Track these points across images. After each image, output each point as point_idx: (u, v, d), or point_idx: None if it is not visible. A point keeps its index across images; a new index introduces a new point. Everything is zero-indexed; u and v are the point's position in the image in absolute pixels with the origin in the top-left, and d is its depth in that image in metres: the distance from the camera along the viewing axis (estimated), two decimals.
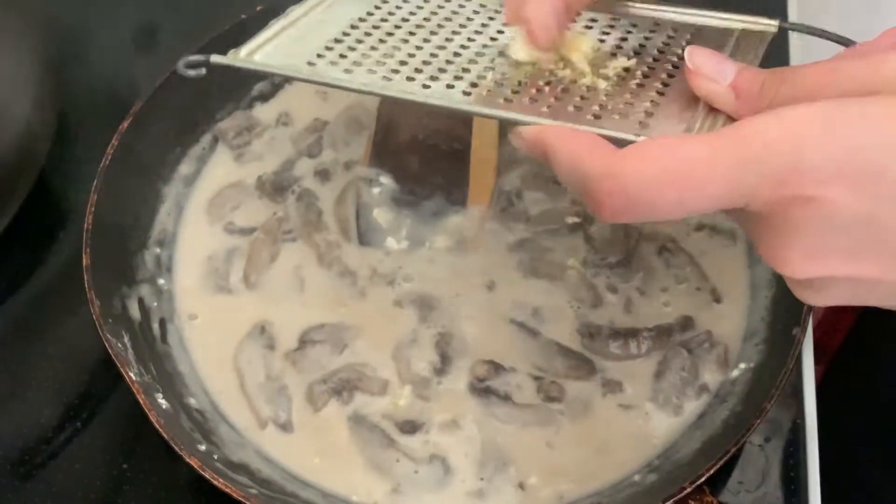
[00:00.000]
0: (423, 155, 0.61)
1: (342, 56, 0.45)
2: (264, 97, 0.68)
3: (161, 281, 0.59)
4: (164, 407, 0.51)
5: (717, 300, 0.57)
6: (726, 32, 0.47)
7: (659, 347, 0.55)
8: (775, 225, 0.34)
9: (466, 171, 0.61)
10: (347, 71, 0.44)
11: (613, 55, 0.45)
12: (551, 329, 0.56)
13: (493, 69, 0.44)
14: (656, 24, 0.48)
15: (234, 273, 0.60)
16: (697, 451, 0.50)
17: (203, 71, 0.46)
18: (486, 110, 0.42)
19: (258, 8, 0.66)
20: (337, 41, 0.46)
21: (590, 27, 0.47)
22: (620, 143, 0.37)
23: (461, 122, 0.62)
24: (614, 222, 0.37)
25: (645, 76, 0.43)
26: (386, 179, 0.61)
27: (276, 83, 0.68)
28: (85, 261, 0.54)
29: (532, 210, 0.61)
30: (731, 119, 0.39)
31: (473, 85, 0.43)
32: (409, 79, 0.43)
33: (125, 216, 0.59)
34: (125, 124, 0.59)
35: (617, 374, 0.54)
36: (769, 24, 0.47)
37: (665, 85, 0.42)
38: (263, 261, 0.60)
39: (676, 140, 0.35)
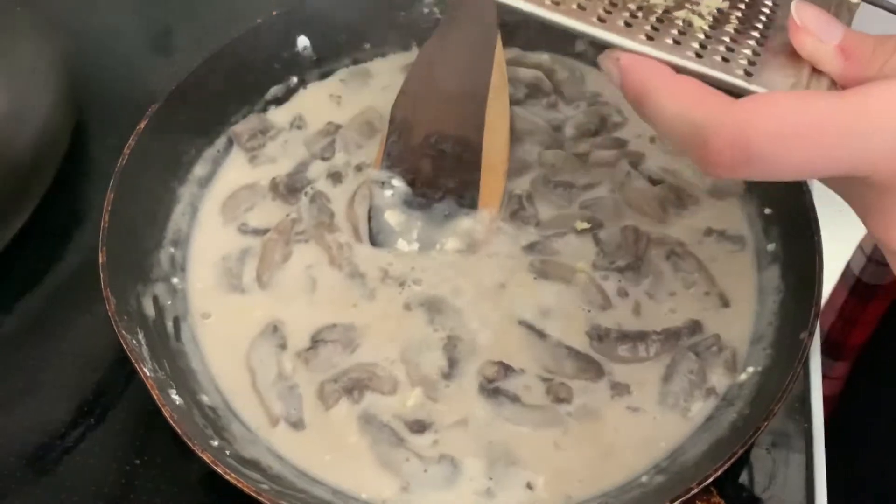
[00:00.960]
0: (435, 158, 0.62)
1: None
2: (278, 101, 0.69)
3: (175, 280, 0.60)
4: (177, 403, 0.51)
5: (726, 304, 0.58)
6: None
7: (667, 351, 0.55)
8: (892, 198, 0.33)
9: (477, 174, 0.62)
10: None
11: None
12: (560, 331, 0.57)
13: None
14: None
15: (247, 273, 0.61)
16: (705, 453, 0.50)
17: None
18: (577, 26, 0.38)
19: (274, 12, 0.67)
20: None
21: None
22: (722, 90, 0.35)
23: (473, 126, 0.63)
24: (728, 177, 0.35)
25: (741, 21, 0.40)
26: (398, 182, 0.62)
27: (290, 86, 0.69)
28: (101, 259, 0.54)
29: (542, 214, 0.62)
30: (835, 83, 0.37)
31: None
32: None
33: (141, 216, 0.60)
34: (142, 125, 0.60)
35: (625, 376, 0.55)
36: None
37: (763, 36, 0.40)
38: (276, 261, 0.61)
39: (808, 94, 0.33)
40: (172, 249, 0.61)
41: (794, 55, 0.38)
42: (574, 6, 0.39)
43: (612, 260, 0.59)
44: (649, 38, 0.38)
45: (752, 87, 0.37)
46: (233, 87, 0.66)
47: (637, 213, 0.62)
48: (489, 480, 0.52)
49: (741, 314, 0.57)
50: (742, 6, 0.41)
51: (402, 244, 0.61)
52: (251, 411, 0.55)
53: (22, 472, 0.56)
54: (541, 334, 0.57)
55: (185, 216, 0.63)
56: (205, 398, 0.55)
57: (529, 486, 0.52)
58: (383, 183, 0.62)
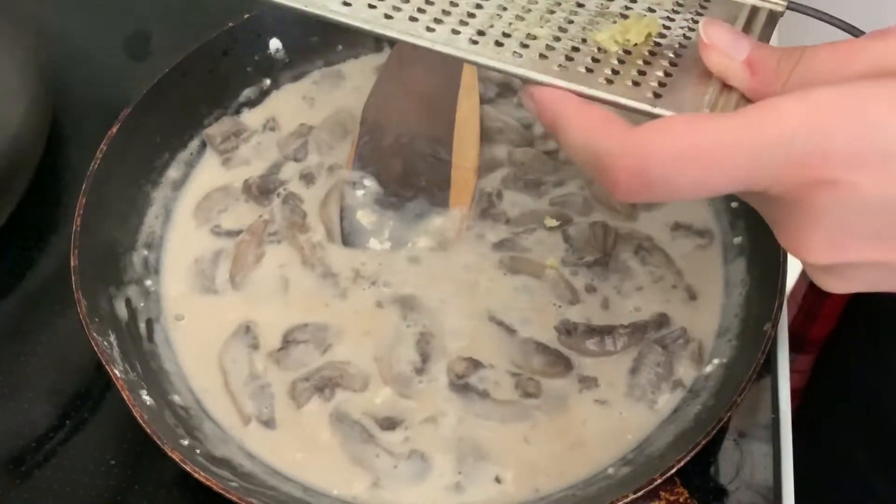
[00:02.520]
0: (406, 158, 0.63)
1: None
2: (251, 103, 0.69)
3: (148, 282, 0.61)
4: (148, 403, 0.52)
5: (693, 297, 0.58)
6: (737, 6, 0.45)
7: (634, 344, 0.56)
8: (798, 210, 0.33)
9: (448, 173, 0.63)
10: (346, 4, 0.41)
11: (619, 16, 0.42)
12: (529, 327, 0.57)
13: (500, 17, 0.42)
14: None
15: (220, 274, 0.61)
16: (670, 445, 0.51)
17: None
18: (493, 62, 0.39)
19: (245, 16, 0.68)
20: None
21: None
22: (633, 115, 0.36)
23: (444, 125, 0.63)
24: (633, 201, 0.36)
25: (655, 44, 0.41)
26: (370, 182, 0.63)
27: (263, 89, 0.70)
28: (73, 262, 0.55)
29: (512, 211, 0.63)
30: (744, 97, 0.38)
31: (481, 33, 0.41)
32: (413, 18, 0.41)
33: (114, 219, 0.61)
34: (114, 129, 0.61)
35: (593, 370, 0.55)
36: (778, 3, 0.45)
37: (677, 56, 0.41)
38: (249, 262, 0.61)
39: (699, 118, 0.34)
40: (146, 252, 0.62)
41: (705, 72, 0.39)
42: (492, 44, 0.40)
43: (581, 256, 0.60)
44: (562, 66, 0.40)
45: (657, 111, 0.38)
46: (205, 90, 0.67)
47: (606, 209, 0.62)
48: (458, 475, 0.52)
49: (708, 307, 0.58)
50: (659, 31, 0.42)
51: (374, 244, 0.62)
52: (223, 411, 0.55)
53: (3, 475, 0.57)
54: (510, 330, 0.57)
55: (159, 219, 0.63)
56: (177, 398, 0.55)
57: (498, 480, 0.52)
58: (355, 183, 0.63)
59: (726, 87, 0.39)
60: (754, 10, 0.45)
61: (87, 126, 0.70)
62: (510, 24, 0.42)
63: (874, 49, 0.34)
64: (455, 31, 0.41)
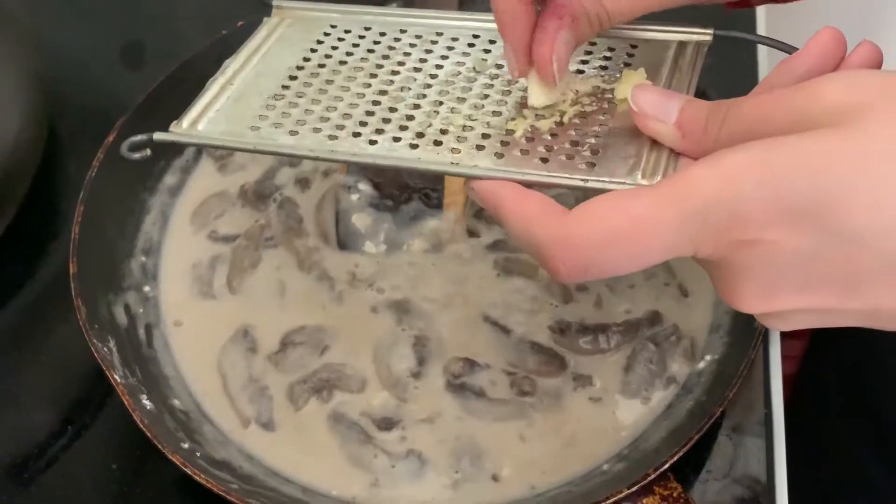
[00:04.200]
0: None
1: (285, 115, 0.45)
2: None
3: (147, 288, 0.61)
4: (148, 408, 0.53)
5: (685, 295, 0.59)
6: (663, 45, 0.47)
7: (628, 342, 0.57)
8: (724, 268, 0.35)
9: (442, 175, 0.63)
10: (293, 132, 0.44)
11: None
12: (524, 327, 0.58)
13: (437, 113, 0.44)
14: (592, 44, 0.47)
15: (217, 279, 0.62)
16: (663, 440, 0.52)
17: (148, 152, 0.46)
18: (433, 167, 0.42)
19: (239, 24, 0.68)
20: (276, 97, 0.46)
21: None
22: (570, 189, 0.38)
23: None
24: (574, 282, 0.38)
25: (583, 115, 0.43)
26: (364, 186, 0.63)
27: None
28: (72, 269, 0.56)
29: None
30: (674, 153, 0.40)
31: (419, 135, 0.43)
32: (356, 134, 0.43)
33: (111, 226, 0.61)
34: (111, 137, 0.61)
35: (587, 368, 0.56)
36: (704, 33, 0.47)
37: (606, 115, 0.43)
38: (246, 267, 0.62)
39: (617, 198, 0.36)
40: (144, 258, 0.62)
41: (634, 131, 0.41)
42: (431, 144, 0.42)
43: None
44: (498, 154, 0.41)
45: (590, 185, 0.40)
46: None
47: None
48: (456, 474, 0.53)
49: (700, 304, 0.58)
50: (584, 100, 0.44)
51: (369, 246, 0.62)
52: (222, 414, 0.56)
53: (6, 482, 0.57)
54: (505, 330, 0.58)
55: (156, 225, 0.64)
56: (176, 402, 0.56)
57: (495, 478, 0.53)
58: (350, 187, 0.63)
59: (656, 144, 0.40)
60: (681, 46, 0.46)
61: (84, 135, 0.71)
62: (445, 118, 0.44)
63: (794, 100, 0.35)
64: (396, 139, 0.43)
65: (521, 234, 0.38)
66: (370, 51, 0.49)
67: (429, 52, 0.48)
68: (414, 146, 0.43)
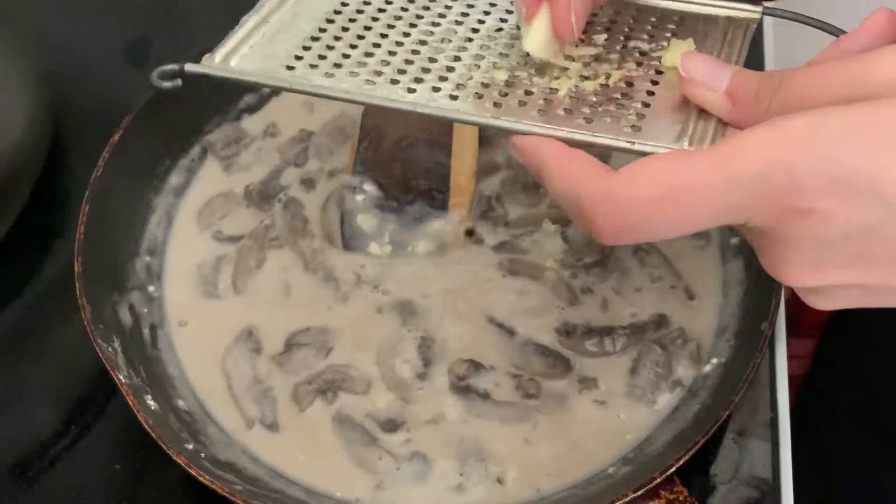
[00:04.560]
0: (406, 162, 0.63)
1: (321, 57, 0.44)
2: (252, 109, 0.70)
3: (151, 288, 0.61)
4: (152, 408, 0.53)
5: (691, 298, 0.59)
6: (710, 20, 0.46)
7: (633, 344, 0.57)
8: (774, 238, 0.34)
9: (447, 176, 0.63)
10: (329, 75, 0.43)
11: (595, 49, 0.43)
12: (529, 328, 0.58)
13: (478, 67, 0.43)
14: (637, 12, 0.46)
15: (222, 280, 0.62)
16: (669, 444, 0.51)
17: (179, 82, 0.44)
18: (474, 118, 0.41)
19: None
20: (314, 39, 0.44)
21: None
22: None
23: (442, 129, 0.64)
24: (615, 244, 0.37)
25: (630, 79, 0.42)
26: (369, 187, 0.63)
27: (263, 95, 0.70)
28: (77, 269, 0.55)
29: (511, 213, 0.63)
30: (722, 122, 0.39)
31: (459, 86, 0.42)
32: (394, 81, 0.42)
33: (116, 226, 0.61)
34: (116, 137, 0.61)
35: (592, 371, 0.56)
36: (753, 11, 0.46)
37: (654, 83, 0.42)
38: (250, 267, 0.62)
39: (671, 158, 0.35)
40: (148, 258, 0.62)
41: (682, 98, 0.40)
42: (472, 97, 0.41)
43: (580, 257, 0.61)
44: (542, 111, 0.40)
45: (637, 148, 0.39)
46: (206, 97, 0.67)
47: None
48: (460, 476, 0.53)
49: (706, 307, 0.58)
50: (636, 55, 0.43)
51: (374, 247, 0.62)
52: (227, 415, 0.56)
53: (5, 485, 0.57)
54: (510, 332, 0.58)
55: (161, 225, 0.64)
56: (181, 403, 0.56)
57: (500, 481, 0.53)
58: (355, 188, 0.63)
59: (704, 112, 0.39)
60: (729, 22, 0.46)
61: (89, 134, 0.70)
62: (487, 73, 0.42)
63: (849, 70, 0.34)
64: (435, 89, 0.42)
65: (565, 191, 0.37)
66: (411, 1, 0.47)
67: (471, 6, 0.47)
68: (454, 97, 0.41)
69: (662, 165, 0.34)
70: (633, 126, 0.39)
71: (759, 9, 0.46)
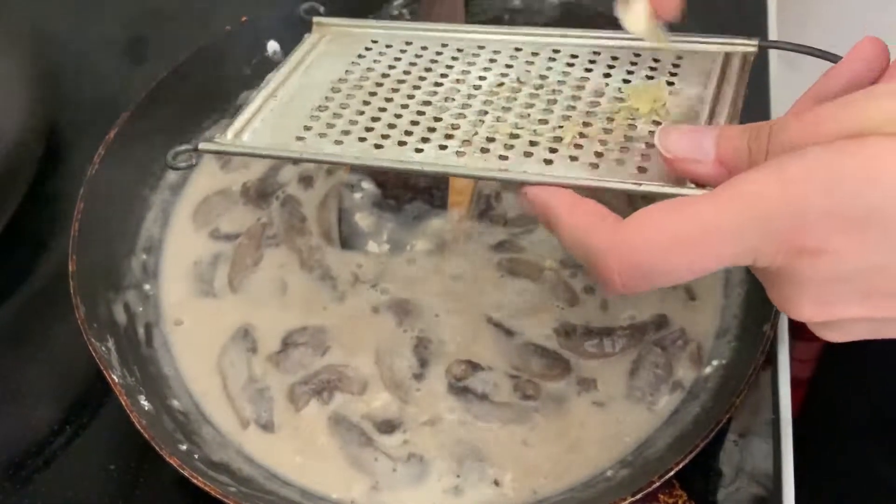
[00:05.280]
0: None
1: (329, 126, 0.45)
2: None
3: (147, 286, 0.61)
4: (146, 408, 0.52)
5: (692, 298, 0.58)
6: (710, 56, 0.46)
7: (633, 345, 0.56)
8: (784, 277, 0.34)
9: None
10: (338, 142, 0.44)
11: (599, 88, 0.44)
12: (528, 329, 0.57)
13: (482, 122, 0.44)
14: (636, 55, 0.47)
15: (218, 278, 0.61)
16: (669, 447, 0.51)
17: (193, 161, 0.46)
18: (482, 173, 0.42)
19: (243, 19, 0.68)
20: (321, 108, 0.46)
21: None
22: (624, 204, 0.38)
23: None
24: (629, 294, 0.37)
25: (631, 125, 0.42)
26: (367, 185, 0.62)
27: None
28: (71, 267, 0.55)
29: (510, 212, 0.63)
30: None
31: (465, 142, 0.43)
32: (401, 143, 0.43)
33: (112, 223, 0.61)
34: (112, 133, 0.61)
35: (592, 372, 0.55)
36: (749, 44, 0.46)
37: (657, 123, 0.42)
38: (247, 265, 0.61)
39: (677, 205, 0.34)
40: (144, 256, 0.62)
41: None
42: (478, 152, 0.42)
43: None
44: (547, 161, 0.41)
45: (643, 189, 0.39)
46: (203, 94, 0.67)
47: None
48: (457, 478, 0.52)
49: (707, 308, 0.58)
50: (634, 108, 0.44)
51: (372, 246, 0.62)
52: (222, 415, 0.55)
53: (4, 481, 0.57)
54: (508, 332, 0.57)
55: (157, 223, 0.64)
56: (175, 403, 0.55)
57: (497, 483, 0.52)
58: (353, 186, 0.63)
59: None
60: (728, 57, 0.46)
61: (86, 130, 0.70)
62: (491, 127, 0.43)
63: (839, 114, 0.34)
64: (442, 147, 0.43)
65: (576, 243, 0.37)
66: (412, 64, 0.49)
67: (471, 64, 0.48)
68: (461, 153, 0.42)
69: (667, 212, 0.34)
70: (639, 167, 0.40)
71: (755, 41, 0.46)
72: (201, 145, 0.45)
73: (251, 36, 0.68)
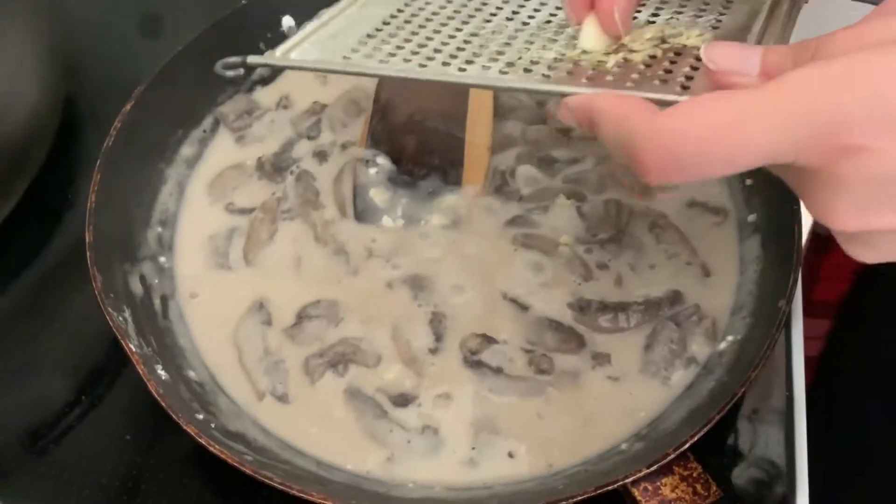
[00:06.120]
0: (420, 136, 0.63)
1: (377, 49, 0.45)
2: (265, 81, 0.69)
3: (162, 259, 0.61)
4: (163, 378, 0.52)
5: (707, 274, 0.58)
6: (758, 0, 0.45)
7: (648, 321, 0.56)
8: (824, 178, 0.33)
9: (462, 151, 0.62)
10: (383, 62, 0.44)
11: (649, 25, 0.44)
12: (542, 304, 0.57)
13: (528, 50, 0.44)
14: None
15: (233, 251, 0.61)
16: (683, 421, 0.51)
17: (241, 71, 0.46)
18: (522, 85, 0.41)
19: None
20: (370, 36, 0.47)
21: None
22: (664, 106, 0.36)
23: (457, 103, 0.63)
24: (663, 182, 0.36)
25: (677, 53, 0.42)
26: (382, 160, 0.63)
27: (277, 68, 0.69)
28: (88, 238, 0.55)
29: (525, 188, 0.62)
30: None
31: (510, 64, 0.43)
32: (445, 64, 0.43)
33: (128, 196, 0.61)
34: (128, 106, 0.61)
35: (606, 346, 0.55)
36: None
37: (699, 59, 0.40)
38: (262, 239, 0.62)
39: (722, 95, 0.34)
40: (160, 229, 0.62)
41: None
42: (521, 71, 0.42)
43: (595, 233, 0.60)
44: (589, 79, 0.41)
45: (686, 98, 0.38)
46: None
47: (620, 186, 0.62)
48: (472, 450, 0.53)
49: (722, 284, 0.58)
50: (683, 30, 0.43)
51: (386, 221, 0.62)
52: (238, 386, 0.56)
53: (18, 453, 0.57)
54: (523, 307, 0.57)
55: (173, 196, 0.64)
56: (192, 374, 0.55)
57: (511, 455, 0.52)
58: (368, 161, 0.63)
59: None
60: (776, 1, 0.45)
61: (102, 104, 0.70)
62: (536, 54, 0.43)
63: (883, 26, 0.33)
64: (485, 68, 0.43)
65: (618, 133, 0.36)
66: (463, 5, 0.49)
67: (521, 6, 0.48)
68: (504, 73, 0.42)
69: (711, 102, 0.34)
70: (682, 86, 0.39)
71: None
72: (250, 58, 0.46)
73: (266, 10, 0.68)
